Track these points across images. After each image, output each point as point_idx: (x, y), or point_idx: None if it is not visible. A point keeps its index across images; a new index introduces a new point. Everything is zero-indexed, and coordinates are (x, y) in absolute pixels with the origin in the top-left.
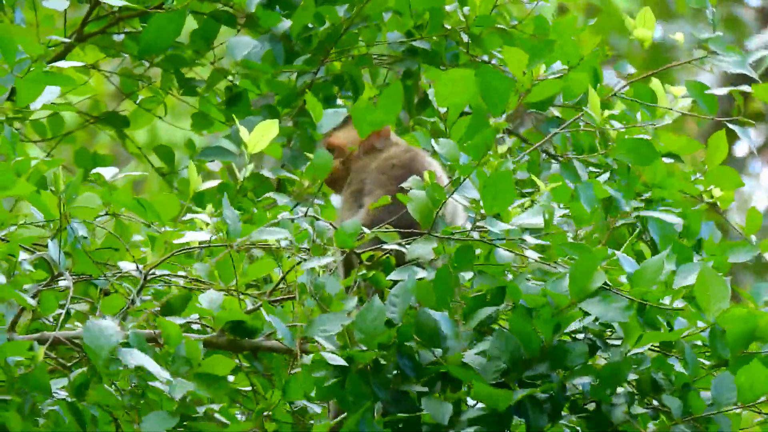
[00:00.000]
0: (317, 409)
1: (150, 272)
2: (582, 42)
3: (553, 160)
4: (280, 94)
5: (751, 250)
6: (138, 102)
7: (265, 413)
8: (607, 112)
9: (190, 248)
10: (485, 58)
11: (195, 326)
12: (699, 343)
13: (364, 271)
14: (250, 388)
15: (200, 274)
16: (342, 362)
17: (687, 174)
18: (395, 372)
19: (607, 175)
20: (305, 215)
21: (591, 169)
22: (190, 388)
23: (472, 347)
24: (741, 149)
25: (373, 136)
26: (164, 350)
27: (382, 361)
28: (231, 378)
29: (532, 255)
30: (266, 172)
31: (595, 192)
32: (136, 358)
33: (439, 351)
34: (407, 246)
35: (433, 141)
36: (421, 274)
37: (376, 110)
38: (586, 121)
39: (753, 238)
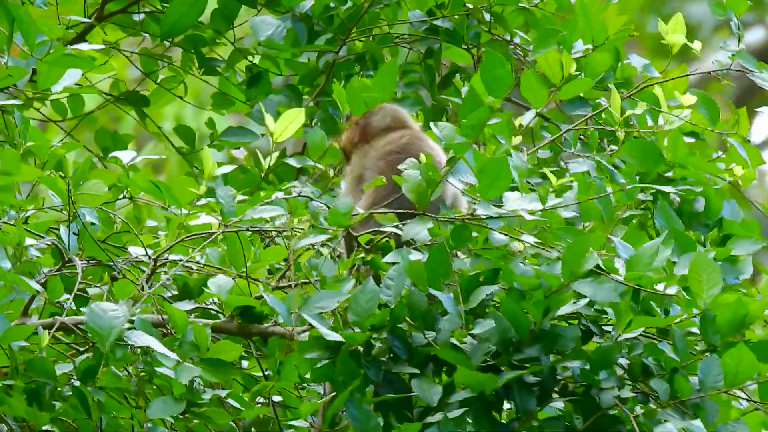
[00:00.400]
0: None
1: (161, 257)
2: (607, 20)
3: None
4: (300, 74)
5: (756, 243)
6: (158, 81)
7: (276, 398)
8: (629, 112)
9: (197, 234)
10: (507, 37)
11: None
12: (694, 330)
13: (363, 255)
14: (261, 374)
15: (212, 260)
16: (337, 337)
17: (708, 152)
18: (387, 355)
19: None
20: (299, 195)
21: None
22: (197, 373)
23: (467, 329)
24: (758, 136)
25: (368, 116)
26: (171, 337)
27: (375, 343)
28: (245, 364)
29: (528, 239)
30: (291, 161)
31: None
32: (142, 339)
33: (431, 334)
34: (403, 227)
35: (432, 124)
36: (416, 255)
37: (370, 88)
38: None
39: None
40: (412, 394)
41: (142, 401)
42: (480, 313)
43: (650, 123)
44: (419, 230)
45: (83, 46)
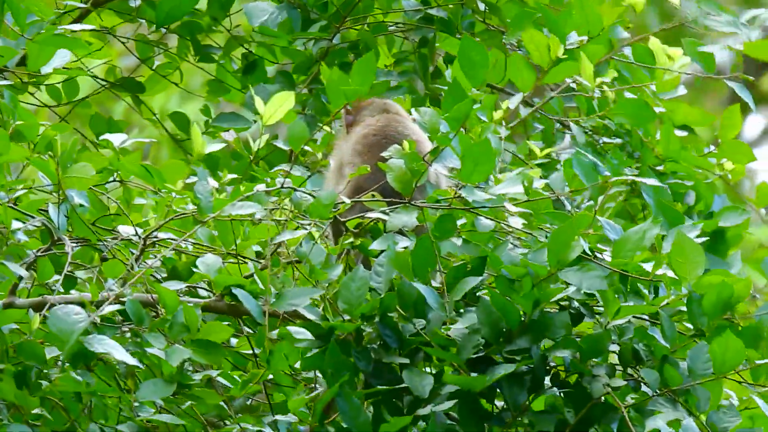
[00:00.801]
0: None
1: (150, 237)
2: (601, 12)
3: (567, 131)
4: (295, 62)
5: (742, 214)
6: (154, 68)
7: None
8: (599, 80)
9: (186, 214)
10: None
11: (202, 292)
12: (683, 308)
13: (351, 239)
14: (251, 352)
15: (201, 239)
16: (308, 336)
17: (700, 147)
18: (378, 343)
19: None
20: (282, 186)
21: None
22: (188, 355)
23: (457, 318)
24: (750, 131)
25: (359, 110)
26: (162, 317)
27: (365, 332)
28: (234, 341)
29: (516, 224)
30: (280, 143)
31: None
32: (103, 345)
33: (421, 323)
34: (390, 215)
35: (413, 110)
36: (404, 242)
37: (349, 79)
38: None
39: (763, 211)
40: (403, 385)
41: (131, 383)
42: (470, 301)
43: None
44: (406, 219)
45: (75, 27)
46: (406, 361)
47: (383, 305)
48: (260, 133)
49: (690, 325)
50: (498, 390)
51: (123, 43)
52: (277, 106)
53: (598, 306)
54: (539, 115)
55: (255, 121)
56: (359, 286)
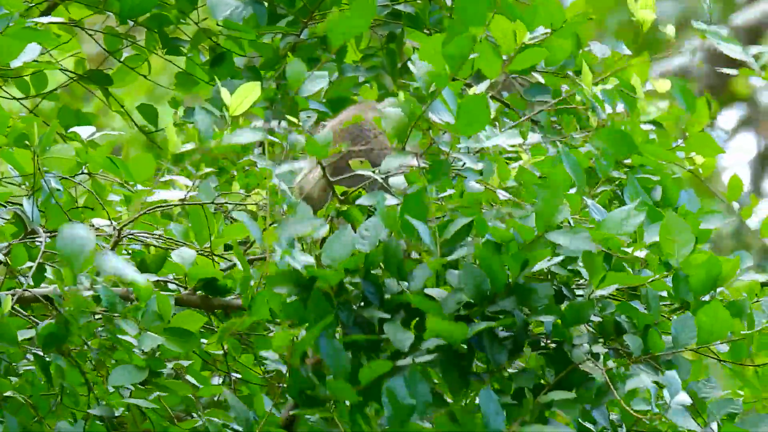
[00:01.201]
0: None
1: (124, 229)
2: (568, 7)
3: (534, 126)
4: (263, 56)
5: (725, 217)
6: (122, 60)
7: (237, 376)
8: (599, 87)
9: (165, 206)
10: None
11: (171, 286)
12: (664, 293)
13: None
14: (222, 352)
15: (175, 234)
16: (309, 261)
17: (668, 141)
18: (360, 302)
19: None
20: (278, 125)
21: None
22: (160, 342)
23: (440, 280)
24: (725, 124)
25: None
26: (135, 305)
27: (347, 286)
28: (203, 341)
29: (503, 195)
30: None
31: (579, 159)
32: (113, 263)
33: (404, 284)
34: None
35: (408, 62)
36: (392, 201)
37: (349, 18)
38: (574, 92)
39: (735, 205)
40: (383, 336)
41: (103, 371)
42: (455, 266)
43: (620, 108)
44: (402, 160)
45: (44, 20)
46: (387, 316)
47: (368, 261)
48: (227, 125)
49: (670, 309)
50: (477, 350)
51: (90, 35)
52: (243, 98)
53: (578, 288)
54: (507, 111)
55: (222, 116)
56: (344, 245)
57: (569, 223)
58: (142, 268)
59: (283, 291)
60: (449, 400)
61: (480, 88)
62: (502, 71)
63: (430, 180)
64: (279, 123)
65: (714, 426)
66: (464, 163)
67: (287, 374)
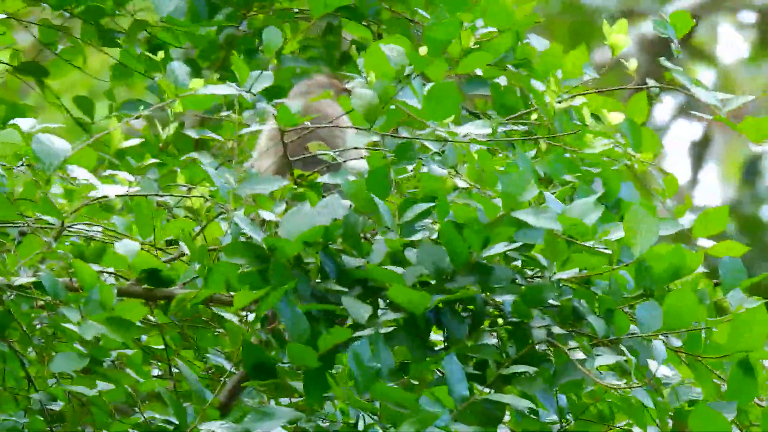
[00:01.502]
0: (232, 368)
1: (68, 220)
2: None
3: (473, 118)
4: (200, 47)
5: (675, 225)
6: (57, 52)
7: (178, 370)
8: (564, 104)
9: (105, 198)
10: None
11: (110, 280)
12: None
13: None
14: (162, 347)
15: (118, 227)
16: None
17: (608, 135)
18: (317, 277)
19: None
20: (249, 90)
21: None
22: (102, 331)
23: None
24: (661, 115)
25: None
26: (77, 293)
27: (305, 260)
28: (144, 338)
29: (462, 184)
30: (189, 132)
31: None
32: (81, 173)
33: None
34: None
35: (381, 45)
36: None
37: None
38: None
39: (669, 202)
40: (340, 306)
41: (45, 358)
42: (413, 246)
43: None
44: (364, 141)
45: None
46: (345, 290)
47: (326, 235)
48: (170, 120)
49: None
50: (436, 325)
51: (26, 27)
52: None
53: (534, 276)
54: None
55: (162, 108)
56: (303, 219)
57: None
58: (81, 258)
59: (241, 262)
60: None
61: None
62: (447, 74)
63: (395, 161)
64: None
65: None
66: (433, 152)
67: (240, 347)
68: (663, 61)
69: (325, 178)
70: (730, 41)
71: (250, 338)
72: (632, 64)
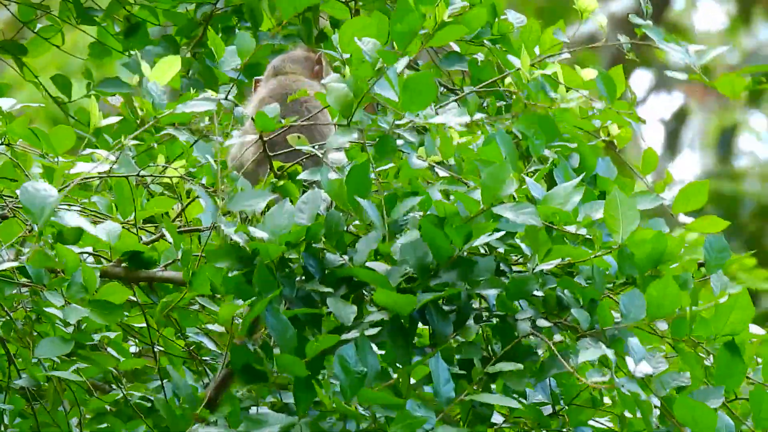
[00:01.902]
0: (211, 346)
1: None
2: None
3: (450, 94)
4: (178, 25)
5: (656, 200)
6: (36, 30)
7: (159, 348)
8: (538, 72)
9: (89, 177)
10: None
11: (89, 259)
12: (607, 271)
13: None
14: (144, 325)
15: (98, 206)
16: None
17: (584, 110)
18: (301, 275)
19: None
20: (226, 98)
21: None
22: (85, 314)
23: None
24: (638, 91)
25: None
26: (60, 277)
27: (289, 259)
28: (125, 314)
29: (442, 172)
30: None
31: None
32: (73, 220)
33: (346, 257)
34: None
35: (356, 39)
36: (333, 176)
37: None
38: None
39: (648, 178)
40: (327, 311)
41: (27, 342)
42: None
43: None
44: (343, 140)
45: None
46: (330, 290)
47: (309, 234)
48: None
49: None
50: (421, 321)
51: (5, 5)
52: (163, 71)
53: (515, 264)
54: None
55: (139, 86)
56: (285, 218)
57: (514, 197)
58: (60, 240)
59: (225, 265)
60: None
61: (400, 65)
62: (422, 48)
63: (375, 157)
64: (195, 90)
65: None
66: (411, 142)
67: (228, 351)
68: (633, 17)
69: (304, 175)
70: (708, 14)
71: (242, 338)
72: (602, 20)
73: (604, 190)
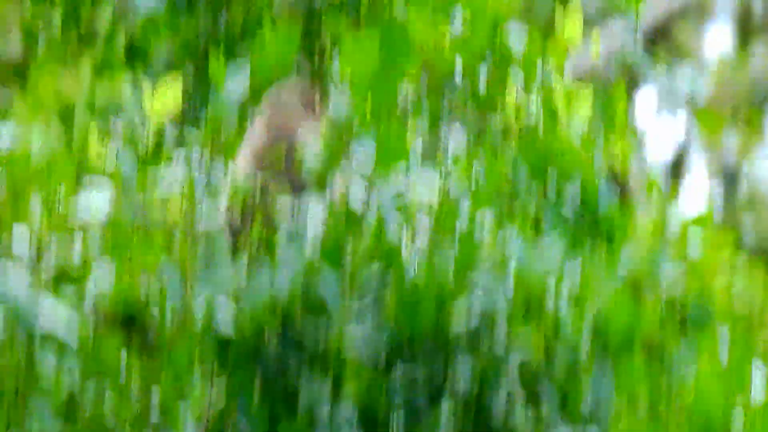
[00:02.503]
0: None
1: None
2: None
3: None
4: (179, 43)
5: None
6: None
7: None
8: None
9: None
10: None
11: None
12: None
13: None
14: None
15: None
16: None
17: (585, 135)
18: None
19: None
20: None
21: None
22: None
23: (360, 319)
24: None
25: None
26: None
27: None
28: None
29: (424, 223)
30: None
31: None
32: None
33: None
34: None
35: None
36: (319, 208)
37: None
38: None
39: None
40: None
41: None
42: (372, 310)
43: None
44: (318, 207)
45: None
46: (305, 369)
47: (285, 315)
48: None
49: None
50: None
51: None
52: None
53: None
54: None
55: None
56: (262, 289)
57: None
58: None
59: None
60: None
61: None
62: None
63: (346, 229)
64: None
65: None
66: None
67: None
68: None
69: (282, 251)
70: (714, 39)
71: None
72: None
73: (608, 228)
